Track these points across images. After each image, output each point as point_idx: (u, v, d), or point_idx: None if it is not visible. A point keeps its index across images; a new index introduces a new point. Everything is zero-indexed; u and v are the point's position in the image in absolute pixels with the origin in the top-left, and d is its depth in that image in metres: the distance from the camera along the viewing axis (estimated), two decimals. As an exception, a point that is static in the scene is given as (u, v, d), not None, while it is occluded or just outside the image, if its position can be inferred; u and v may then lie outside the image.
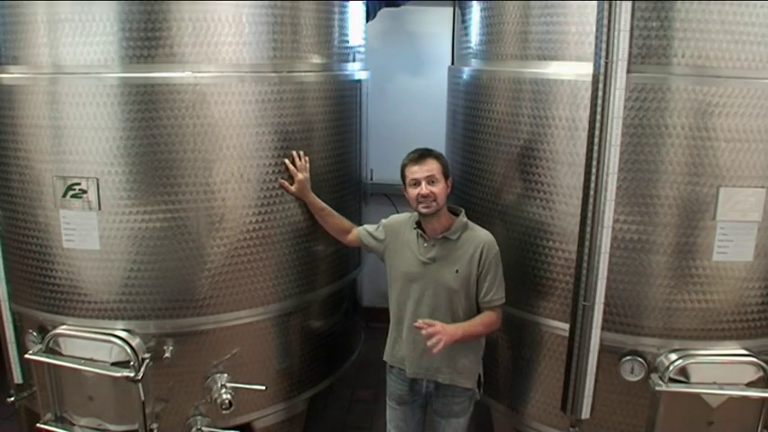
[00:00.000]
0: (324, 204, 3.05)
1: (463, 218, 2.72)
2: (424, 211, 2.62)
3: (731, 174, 2.50)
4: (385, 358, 2.88)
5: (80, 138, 2.65)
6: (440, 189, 2.62)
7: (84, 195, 2.69)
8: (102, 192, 2.68)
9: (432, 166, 2.63)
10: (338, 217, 3.06)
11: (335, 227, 3.06)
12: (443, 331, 2.48)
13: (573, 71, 2.61)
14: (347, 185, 3.39)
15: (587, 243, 2.60)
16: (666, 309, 2.63)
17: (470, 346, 2.71)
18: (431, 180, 2.61)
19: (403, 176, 2.70)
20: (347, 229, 3.04)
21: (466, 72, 3.19)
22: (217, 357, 2.92)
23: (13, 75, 2.72)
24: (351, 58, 3.37)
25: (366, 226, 2.98)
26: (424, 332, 2.49)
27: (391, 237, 2.82)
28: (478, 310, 2.70)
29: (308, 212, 3.06)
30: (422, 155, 2.66)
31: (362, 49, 3.57)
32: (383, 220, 2.92)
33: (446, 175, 2.67)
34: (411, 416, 2.88)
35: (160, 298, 2.80)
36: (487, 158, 2.99)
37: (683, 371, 2.59)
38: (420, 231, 2.71)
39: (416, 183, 2.63)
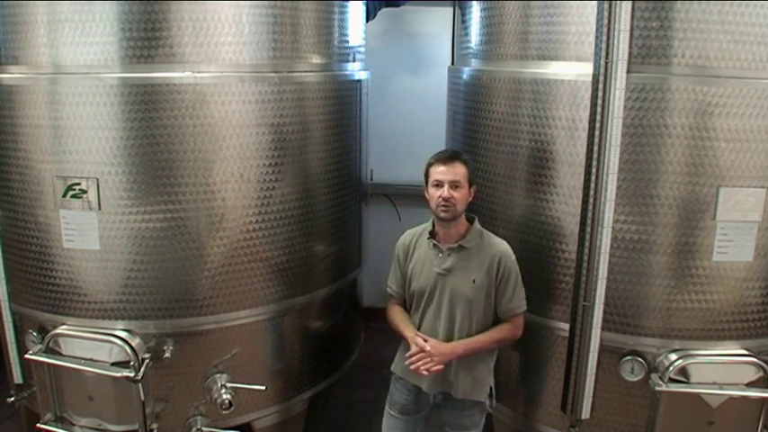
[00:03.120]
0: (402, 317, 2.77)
1: (477, 225, 2.68)
2: (442, 214, 2.55)
3: (731, 174, 2.50)
4: (393, 369, 2.81)
5: (80, 138, 2.65)
6: (462, 195, 2.55)
7: (84, 195, 2.69)
8: (102, 192, 2.68)
9: (458, 171, 2.55)
10: (402, 313, 2.79)
11: (403, 315, 2.78)
12: (435, 353, 2.53)
13: (573, 71, 2.61)
14: (347, 185, 3.39)
15: (587, 243, 2.60)
16: (666, 309, 2.63)
17: (482, 357, 2.68)
18: (455, 185, 2.53)
19: (427, 175, 2.62)
20: (401, 307, 2.81)
21: (466, 72, 3.19)
22: (217, 357, 2.92)
23: (13, 75, 2.72)
24: (351, 58, 3.37)
25: (389, 281, 2.83)
26: (414, 359, 2.53)
27: (405, 256, 2.74)
28: (495, 321, 2.67)
29: (308, 212, 3.06)
30: (451, 156, 2.59)
31: (362, 49, 3.57)
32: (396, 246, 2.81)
33: (471, 182, 2.60)
34: (411, 428, 2.83)
35: (160, 298, 2.80)
36: (487, 159, 2.99)
37: (683, 371, 2.59)
38: (434, 241, 2.65)
39: (440, 184, 2.54)
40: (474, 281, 2.58)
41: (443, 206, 2.54)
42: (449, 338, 2.61)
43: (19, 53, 2.71)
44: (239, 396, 2.91)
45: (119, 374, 2.69)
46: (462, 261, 2.61)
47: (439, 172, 2.56)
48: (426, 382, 2.68)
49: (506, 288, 2.62)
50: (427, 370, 2.53)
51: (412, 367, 2.55)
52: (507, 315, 2.65)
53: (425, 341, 2.58)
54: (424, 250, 2.69)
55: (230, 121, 2.75)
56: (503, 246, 2.65)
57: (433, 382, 2.67)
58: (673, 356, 2.62)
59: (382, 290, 2.90)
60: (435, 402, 2.76)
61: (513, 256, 2.64)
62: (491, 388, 2.75)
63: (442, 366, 2.54)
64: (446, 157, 2.59)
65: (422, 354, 2.54)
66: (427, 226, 2.72)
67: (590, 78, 2.51)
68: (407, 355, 2.59)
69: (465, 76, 3.20)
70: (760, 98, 2.45)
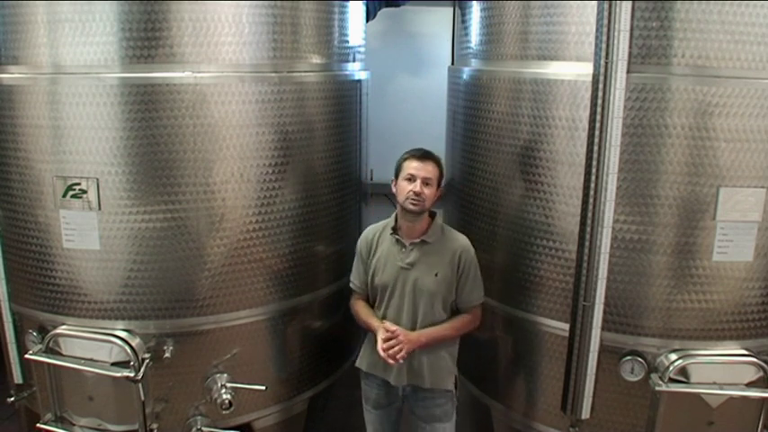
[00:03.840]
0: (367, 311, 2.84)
1: (439, 221, 2.76)
2: (411, 207, 2.62)
3: (731, 174, 2.50)
4: (358, 365, 2.87)
5: (80, 138, 2.65)
6: (431, 192, 2.65)
7: (84, 195, 2.69)
8: (102, 192, 2.68)
9: (431, 169, 2.65)
10: (367, 307, 2.86)
11: (368, 309, 2.86)
12: (405, 340, 2.58)
13: (573, 71, 2.61)
14: (347, 185, 3.39)
15: (587, 243, 2.60)
16: (666, 309, 2.62)
17: (445, 347, 2.74)
18: (426, 181, 2.63)
19: (399, 169, 2.70)
20: (364, 302, 2.88)
21: (466, 72, 3.19)
22: (217, 357, 2.92)
23: (13, 75, 2.72)
24: (351, 58, 3.37)
25: (351, 276, 2.91)
26: (384, 345, 2.57)
27: (369, 251, 2.80)
28: (453, 313, 2.74)
29: (308, 212, 3.06)
30: (425, 154, 2.68)
31: (362, 49, 3.57)
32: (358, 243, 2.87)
33: (439, 183, 2.70)
34: (387, 419, 2.91)
35: (160, 298, 2.80)
36: (487, 159, 2.99)
37: (683, 371, 2.59)
38: (397, 236, 2.72)
39: (412, 178, 2.63)
40: (437, 274, 2.66)
41: (413, 200, 2.61)
42: (411, 330, 2.67)
43: (19, 53, 2.71)
44: (239, 396, 2.91)
45: (119, 374, 2.69)
46: (425, 256, 2.68)
47: (413, 167, 2.65)
48: (393, 375, 2.73)
49: (467, 281, 2.71)
50: (397, 358, 2.57)
51: (390, 351, 2.57)
52: (467, 306, 2.75)
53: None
54: (387, 245, 2.75)
55: (230, 121, 2.75)
56: (463, 240, 2.74)
57: (399, 374, 2.72)
58: (673, 356, 2.61)
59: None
60: (405, 395, 2.81)
61: (473, 251, 2.73)
62: (456, 378, 2.81)
63: (405, 353, 2.59)
64: (420, 155, 2.68)
65: (394, 340, 2.59)
66: (389, 222, 2.79)
67: (590, 78, 2.51)
68: (382, 338, 2.62)
69: (465, 76, 3.20)
70: (760, 98, 2.45)
